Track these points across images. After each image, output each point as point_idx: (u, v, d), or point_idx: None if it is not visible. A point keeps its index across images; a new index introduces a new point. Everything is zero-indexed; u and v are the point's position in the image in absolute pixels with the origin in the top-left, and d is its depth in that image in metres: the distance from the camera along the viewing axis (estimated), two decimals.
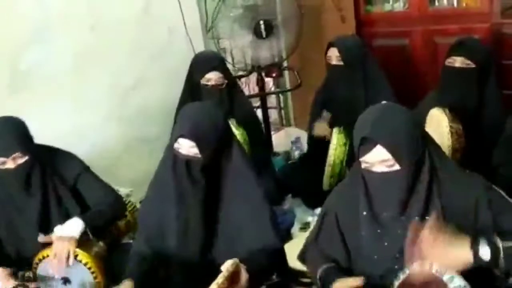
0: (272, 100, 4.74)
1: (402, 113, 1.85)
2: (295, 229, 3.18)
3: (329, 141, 3.13)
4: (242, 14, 3.82)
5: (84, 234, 2.35)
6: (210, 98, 3.18)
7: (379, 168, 1.79)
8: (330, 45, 3.30)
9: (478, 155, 2.70)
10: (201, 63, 3.34)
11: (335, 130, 3.11)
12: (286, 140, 4.39)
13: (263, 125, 3.99)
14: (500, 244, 1.67)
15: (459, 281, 1.68)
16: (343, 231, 1.99)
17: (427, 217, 1.77)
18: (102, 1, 3.47)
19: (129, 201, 3.02)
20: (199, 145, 2.01)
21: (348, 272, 1.96)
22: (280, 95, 4.81)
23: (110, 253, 2.44)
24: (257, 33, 3.82)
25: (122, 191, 3.20)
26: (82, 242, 2.33)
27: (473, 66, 2.91)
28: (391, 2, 4.10)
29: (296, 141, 4.17)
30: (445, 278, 1.69)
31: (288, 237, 3.03)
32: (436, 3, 3.96)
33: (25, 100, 3.09)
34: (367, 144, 1.78)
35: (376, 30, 4.09)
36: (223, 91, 3.31)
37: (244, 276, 1.84)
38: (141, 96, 3.70)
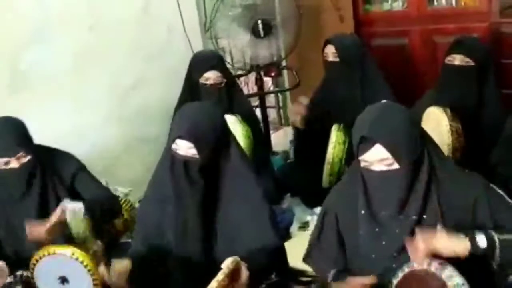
0: (270, 100, 4.74)
1: (401, 112, 1.86)
2: (294, 228, 3.19)
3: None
4: (240, 13, 3.83)
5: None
6: (209, 97, 3.19)
7: (378, 167, 1.80)
8: (327, 42, 3.31)
9: (477, 155, 2.70)
10: (200, 62, 3.34)
11: (334, 127, 3.10)
12: (284, 139, 4.39)
13: (262, 125, 3.99)
14: (495, 236, 1.71)
15: (458, 279, 1.69)
16: (343, 231, 2.00)
17: (424, 216, 1.78)
18: (102, 1, 3.48)
19: (128, 200, 3.03)
20: (197, 146, 2.01)
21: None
22: (278, 94, 4.81)
23: (108, 252, 2.44)
24: (255, 32, 3.82)
25: (121, 190, 3.22)
26: (80, 242, 2.34)
27: (473, 64, 2.93)
28: (389, 2, 4.11)
29: None
30: (444, 276, 1.70)
31: (287, 236, 3.04)
32: (435, 3, 3.97)
33: (25, 100, 3.09)
34: (366, 143, 1.79)
35: (375, 30, 4.10)
36: (222, 90, 3.31)
37: (244, 273, 1.84)
38: (140, 96, 3.70)
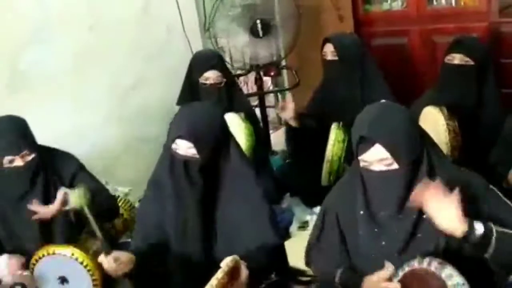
0: (270, 99, 4.73)
1: (401, 112, 1.86)
2: (293, 228, 3.19)
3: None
4: (240, 13, 3.82)
5: None
6: (208, 97, 3.19)
7: (377, 167, 1.80)
8: (326, 40, 3.31)
9: (476, 154, 2.71)
10: (200, 62, 3.35)
11: (334, 126, 3.10)
12: (284, 139, 4.39)
13: (261, 124, 3.99)
14: (494, 227, 1.68)
15: (458, 278, 1.69)
16: (344, 230, 2.00)
17: (424, 216, 1.78)
18: (102, 1, 3.48)
19: (128, 200, 3.03)
20: (197, 146, 2.01)
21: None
22: (278, 94, 4.79)
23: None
24: (254, 32, 3.82)
25: (121, 190, 3.22)
26: (80, 242, 2.34)
27: (472, 63, 2.93)
28: (389, 1, 4.11)
29: None
30: (444, 275, 1.70)
31: (286, 236, 3.04)
32: (434, 2, 3.98)
33: (24, 100, 3.09)
34: (365, 143, 1.79)
35: (375, 29, 4.11)
36: (222, 89, 3.32)
37: (244, 272, 1.84)
38: (140, 96, 3.70)
